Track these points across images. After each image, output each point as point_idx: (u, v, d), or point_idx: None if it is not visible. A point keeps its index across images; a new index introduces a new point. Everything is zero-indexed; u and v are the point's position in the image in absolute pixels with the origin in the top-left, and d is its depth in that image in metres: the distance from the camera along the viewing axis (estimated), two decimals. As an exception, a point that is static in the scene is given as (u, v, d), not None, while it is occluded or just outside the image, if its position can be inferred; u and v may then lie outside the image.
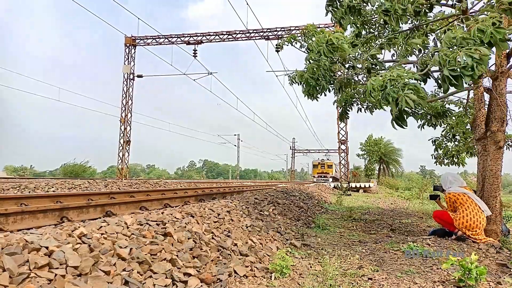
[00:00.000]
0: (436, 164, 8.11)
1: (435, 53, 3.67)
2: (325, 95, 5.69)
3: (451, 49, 3.42)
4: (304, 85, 5.34)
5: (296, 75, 5.52)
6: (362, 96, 6.54)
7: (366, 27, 5.51)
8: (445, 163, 8.06)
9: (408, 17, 4.73)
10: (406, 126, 3.88)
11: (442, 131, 7.92)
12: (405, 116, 3.78)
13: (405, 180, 47.56)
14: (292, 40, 5.49)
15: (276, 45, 6.25)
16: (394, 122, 3.86)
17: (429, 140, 7.98)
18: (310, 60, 5.22)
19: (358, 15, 5.06)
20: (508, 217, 8.75)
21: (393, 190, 29.76)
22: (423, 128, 6.93)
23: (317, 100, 5.71)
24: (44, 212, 3.60)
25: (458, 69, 3.24)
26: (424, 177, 49.44)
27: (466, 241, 4.88)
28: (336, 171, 50.03)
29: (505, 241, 4.90)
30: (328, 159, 51.75)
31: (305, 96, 5.54)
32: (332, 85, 5.59)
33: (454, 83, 3.29)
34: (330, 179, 46.99)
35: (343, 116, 6.94)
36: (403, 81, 3.54)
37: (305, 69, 5.35)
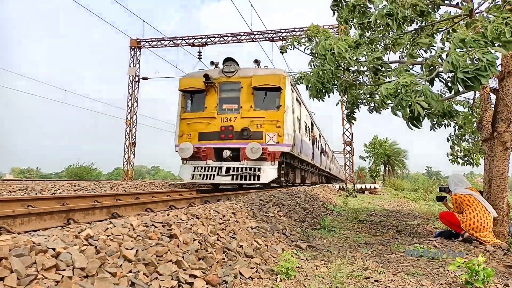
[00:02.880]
0: (453, 164, 8.04)
1: (445, 56, 3.65)
2: (329, 96, 5.69)
3: (461, 51, 3.40)
4: (310, 88, 5.33)
5: (303, 78, 5.52)
6: (368, 97, 6.50)
7: (371, 28, 5.51)
8: (460, 163, 7.99)
9: (410, 20, 4.72)
10: (422, 126, 3.86)
11: (454, 131, 7.85)
12: (420, 118, 3.76)
13: (411, 181, 47.16)
14: (296, 43, 5.47)
15: (281, 47, 6.23)
16: (409, 123, 3.84)
17: (447, 137, 7.90)
18: (315, 64, 5.22)
19: (363, 15, 5.06)
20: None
21: (399, 192, 29.61)
22: (435, 129, 6.89)
23: (323, 101, 5.70)
24: (51, 214, 3.63)
25: (470, 71, 3.22)
26: (430, 178, 49.12)
27: (473, 243, 4.85)
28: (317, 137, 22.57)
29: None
30: (258, 66, 13.25)
31: (311, 98, 5.52)
32: (337, 87, 5.58)
33: (470, 84, 3.27)
34: (268, 171, 12.03)
35: (350, 118, 6.88)
36: (416, 87, 3.53)
37: (311, 73, 5.34)
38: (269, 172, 11.90)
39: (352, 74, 5.50)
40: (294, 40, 5.57)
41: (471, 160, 7.91)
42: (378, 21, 4.90)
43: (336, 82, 5.28)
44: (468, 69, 3.24)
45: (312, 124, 20.74)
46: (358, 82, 5.85)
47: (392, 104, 3.75)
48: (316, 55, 4.79)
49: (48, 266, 2.05)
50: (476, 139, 7.54)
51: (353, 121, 6.79)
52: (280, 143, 12.07)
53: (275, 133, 12.17)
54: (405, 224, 7.94)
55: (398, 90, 3.60)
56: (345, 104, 6.74)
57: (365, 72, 5.35)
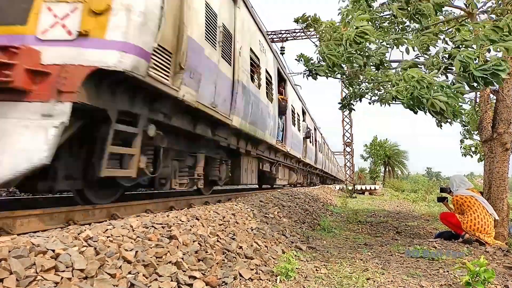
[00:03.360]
0: (465, 156, 8.07)
1: (448, 56, 3.64)
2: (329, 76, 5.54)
3: (471, 50, 3.38)
4: (323, 61, 5.16)
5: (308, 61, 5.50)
6: (373, 85, 6.45)
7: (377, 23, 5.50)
8: (472, 156, 8.02)
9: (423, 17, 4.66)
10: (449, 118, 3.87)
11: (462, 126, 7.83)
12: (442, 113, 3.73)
13: (411, 182, 47.11)
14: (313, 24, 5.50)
15: (300, 19, 6.12)
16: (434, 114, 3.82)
17: (460, 131, 7.90)
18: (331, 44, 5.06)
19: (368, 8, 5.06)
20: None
21: (399, 192, 29.63)
22: (441, 127, 6.89)
23: (333, 75, 5.48)
24: (51, 215, 3.62)
25: (488, 67, 3.19)
26: (430, 179, 49.11)
27: (473, 244, 4.85)
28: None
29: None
30: None
31: (326, 72, 5.32)
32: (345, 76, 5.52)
33: (490, 81, 3.24)
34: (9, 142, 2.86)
35: (346, 107, 6.77)
36: (429, 81, 3.50)
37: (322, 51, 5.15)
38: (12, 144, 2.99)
39: (357, 66, 5.46)
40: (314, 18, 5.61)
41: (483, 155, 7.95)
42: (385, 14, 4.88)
43: (343, 67, 5.16)
44: (484, 66, 3.21)
45: (282, 79, 11.45)
46: (362, 75, 5.84)
47: (402, 98, 3.70)
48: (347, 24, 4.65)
49: (48, 267, 2.05)
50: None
51: (350, 109, 6.74)
52: (98, 37, 3.34)
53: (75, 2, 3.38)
54: (405, 225, 7.95)
55: (418, 84, 3.53)
56: (346, 93, 6.73)
57: (367, 67, 5.30)
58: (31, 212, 3.46)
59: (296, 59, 5.74)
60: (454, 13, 5.31)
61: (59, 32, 3.32)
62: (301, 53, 5.61)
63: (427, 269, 3.65)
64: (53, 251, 2.22)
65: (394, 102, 4.41)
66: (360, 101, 6.61)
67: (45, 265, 2.05)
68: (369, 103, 6.43)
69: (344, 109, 6.81)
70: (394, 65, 5.48)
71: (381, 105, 6.38)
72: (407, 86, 3.55)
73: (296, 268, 3.54)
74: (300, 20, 5.92)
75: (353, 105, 6.67)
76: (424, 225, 8.07)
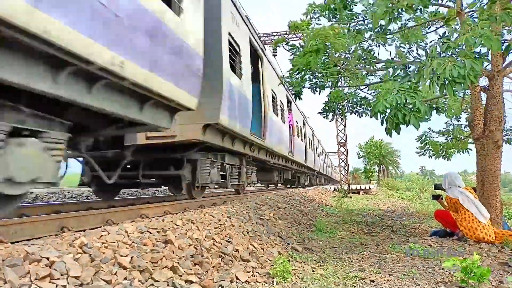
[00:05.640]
0: (419, 156, 8.02)
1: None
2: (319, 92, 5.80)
3: (444, 56, 3.49)
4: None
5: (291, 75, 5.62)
6: (354, 102, 6.67)
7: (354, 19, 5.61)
8: (432, 156, 7.96)
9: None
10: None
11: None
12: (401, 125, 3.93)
13: (405, 181, 47.31)
14: (284, 43, 5.63)
15: (273, 45, 6.45)
16: (394, 130, 3.98)
17: (416, 139, 7.84)
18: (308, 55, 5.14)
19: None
20: (510, 216, 8.76)
21: (394, 191, 29.74)
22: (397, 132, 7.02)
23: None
24: (44, 222, 3.59)
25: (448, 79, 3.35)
26: (424, 178, 49.40)
27: (467, 241, 4.88)
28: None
29: (506, 240, 4.89)
30: None
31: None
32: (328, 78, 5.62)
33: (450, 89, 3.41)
34: None
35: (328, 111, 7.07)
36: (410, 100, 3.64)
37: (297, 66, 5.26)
38: None
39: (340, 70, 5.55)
40: (282, 39, 5.74)
41: (444, 154, 7.88)
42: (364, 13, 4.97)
43: (326, 73, 5.31)
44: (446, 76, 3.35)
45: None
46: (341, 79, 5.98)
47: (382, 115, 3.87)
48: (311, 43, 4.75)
49: (42, 275, 2.03)
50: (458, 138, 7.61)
51: (333, 114, 6.96)
52: None
53: None
54: (400, 223, 7.99)
55: (396, 104, 3.69)
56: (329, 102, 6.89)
57: (352, 63, 5.37)
58: (24, 220, 3.44)
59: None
60: (443, 12, 5.36)
61: None
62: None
63: (422, 267, 3.67)
64: (48, 259, 2.20)
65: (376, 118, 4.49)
66: (342, 112, 6.86)
67: (40, 273, 2.04)
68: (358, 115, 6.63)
69: (327, 115, 7.06)
70: (379, 65, 5.56)
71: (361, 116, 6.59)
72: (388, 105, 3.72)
73: (293, 270, 3.54)
74: (277, 41, 6.11)
75: (337, 110, 6.91)
76: (419, 223, 8.12)
